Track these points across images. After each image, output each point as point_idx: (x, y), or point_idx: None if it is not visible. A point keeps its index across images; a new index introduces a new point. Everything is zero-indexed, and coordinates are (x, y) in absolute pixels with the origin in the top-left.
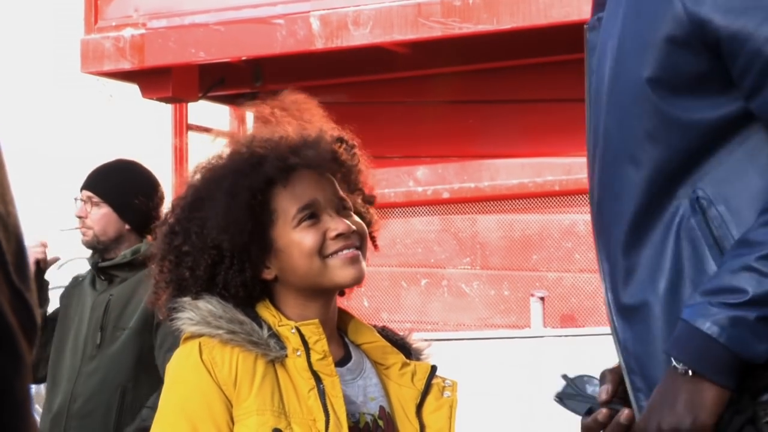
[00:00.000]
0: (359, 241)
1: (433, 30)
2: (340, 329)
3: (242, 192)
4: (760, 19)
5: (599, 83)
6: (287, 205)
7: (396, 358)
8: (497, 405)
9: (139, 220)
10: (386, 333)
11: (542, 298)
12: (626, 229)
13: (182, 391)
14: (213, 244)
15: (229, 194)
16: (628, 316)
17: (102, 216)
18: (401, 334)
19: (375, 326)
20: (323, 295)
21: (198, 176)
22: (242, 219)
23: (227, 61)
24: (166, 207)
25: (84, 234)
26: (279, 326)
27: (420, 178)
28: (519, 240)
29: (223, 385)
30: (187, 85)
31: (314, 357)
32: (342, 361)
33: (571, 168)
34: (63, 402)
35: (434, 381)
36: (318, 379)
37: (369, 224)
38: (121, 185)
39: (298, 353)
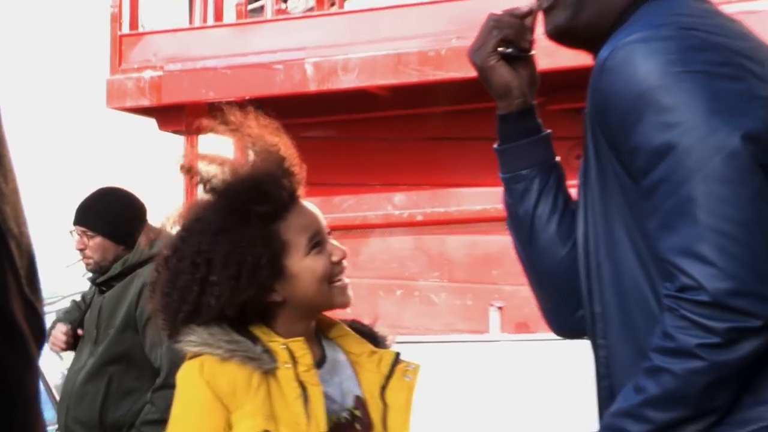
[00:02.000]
0: None
1: (411, 76)
2: (317, 329)
3: (256, 226)
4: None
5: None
6: (297, 236)
7: (364, 347)
8: (460, 398)
9: (130, 239)
10: (356, 325)
11: (500, 308)
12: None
13: (185, 403)
14: (234, 275)
15: (244, 228)
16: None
17: (98, 245)
18: (368, 324)
19: (346, 320)
20: (316, 313)
21: (207, 209)
22: (260, 251)
23: (233, 100)
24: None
25: (87, 264)
26: (269, 342)
27: (397, 203)
28: (481, 257)
29: (222, 395)
30: (198, 120)
31: (300, 369)
32: (320, 362)
33: None
34: (69, 385)
35: (398, 366)
36: (303, 388)
37: None
38: (106, 214)
39: (287, 365)
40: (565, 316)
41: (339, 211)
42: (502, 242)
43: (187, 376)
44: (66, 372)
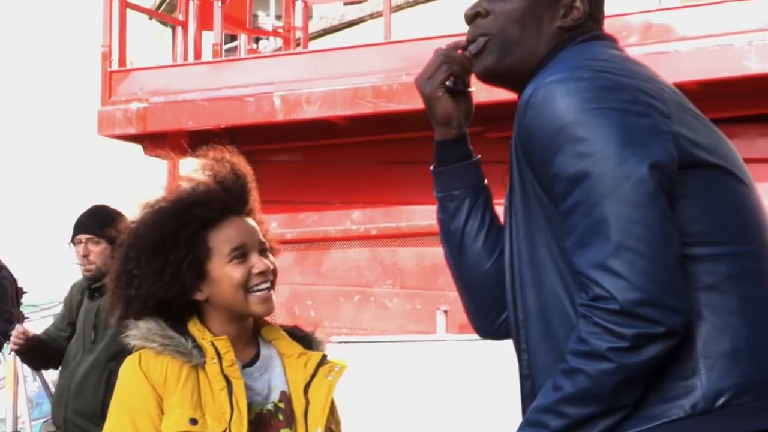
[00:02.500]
0: (273, 276)
1: (366, 108)
2: (256, 331)
3: (182, 232)
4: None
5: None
6: (222, 245)
7: (295, 349)
8: (410, 390)
9: None
10: (294, 331)
11: (445, 311)
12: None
13: (125, 390)
14: (157, 270)
15: (172, 233)
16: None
17: (102, 251)
18: (308, 330)
19: (287, 325)
20: (241, 317)
21: (148, 214)
22: (183, 253)
23: (210, 129)
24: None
25: (88, 270)
26: (201, 339)
27: (355, 219)
28: (429, 267)
29: (155, 385)
30: (179, 146)
31: (225, 364)
32: (253, 360)
33: None
34: (66, 381)
35: (322, 367)
36: (228, 381)
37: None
38: (109, 223)
39: (214, 361)
40: (488, 320)
41: (304, 226)
42: None
43: (127, 367)
44: (60, 370)
